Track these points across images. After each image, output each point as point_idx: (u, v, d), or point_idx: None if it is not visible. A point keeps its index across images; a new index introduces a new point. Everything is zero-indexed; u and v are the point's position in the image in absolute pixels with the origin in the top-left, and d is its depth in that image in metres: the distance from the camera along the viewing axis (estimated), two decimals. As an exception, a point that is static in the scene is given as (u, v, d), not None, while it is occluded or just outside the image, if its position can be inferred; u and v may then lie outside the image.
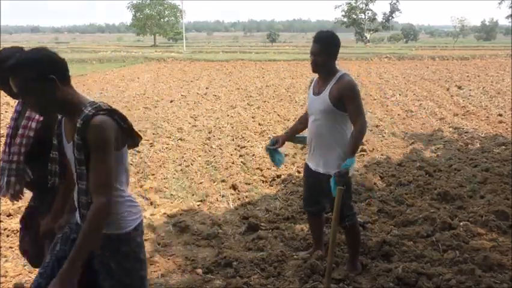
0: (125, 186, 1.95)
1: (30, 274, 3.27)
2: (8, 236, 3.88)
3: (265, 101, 11.83)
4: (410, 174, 5.56)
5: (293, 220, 4.26)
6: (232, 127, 8.65)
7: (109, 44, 67.36)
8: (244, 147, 7.08)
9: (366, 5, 66.49)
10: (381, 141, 7.57)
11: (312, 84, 3.08)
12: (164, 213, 4.44)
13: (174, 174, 5.82)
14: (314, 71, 2.98)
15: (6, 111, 10.07)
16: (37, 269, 3.29)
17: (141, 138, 2.05)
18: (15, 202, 4.58)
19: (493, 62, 26.91)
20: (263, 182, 5.51)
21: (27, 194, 2.61)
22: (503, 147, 6.93)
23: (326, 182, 2.89)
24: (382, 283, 2.98)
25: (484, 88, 14.03)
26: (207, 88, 14.77)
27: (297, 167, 5.97)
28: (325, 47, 2.87)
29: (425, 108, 10.65)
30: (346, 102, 2.85)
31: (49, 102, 1.78)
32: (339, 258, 3.39)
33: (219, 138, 7.72)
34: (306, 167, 3.22)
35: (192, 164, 6.20)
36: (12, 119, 2.54)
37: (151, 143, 7.30)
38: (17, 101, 2.56)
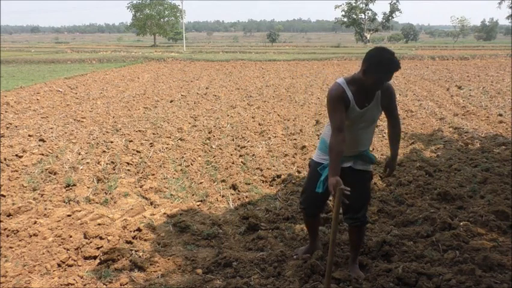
0: None
1: (30, 274, 3.27)
2: (8, 236, 3.87)
3: (265, 101, 11.83)
4: (410, 174, 5.56)
5: (293, 220, 4.26)
6: (232, 127, 8.64)
7: (109, 44, 67.43)
8: (244, 147, 7.08)
9: (366, 5, 66.55)
10: (381, 141, 7.57)
11: (352, 99, 2.80)
12: (164, 213, 4.44)
13: (174, 174, 5.82)
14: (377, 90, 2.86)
15: (6, 111, 10.08)
16: (35, 270, 3.30)
17: None
18: (14, 202, 4.59)
19: (493, 62, 26.94)
20: (263, 182, 5.51)
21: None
22: (503, 147, 6.92)
23: (359, 176, 3.00)
24: (382, 283, 2.98)
25: (484, 88, 14.03)
26: (207, 88, 14.77)
27: (297, 167, 5.97)
28: None
29: (425, 108, 10.65)
30: (392, 104, 2.96)
31: None
32: (339, 258, 3.39)
33: (219, 138, 7.72)
34: (318, 166, 3.08)
35: (192, 164, 6.20)
36: None
37: (151, 143, 7.29)
38: None
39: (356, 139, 2.91)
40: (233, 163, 6.18)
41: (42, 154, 6.57)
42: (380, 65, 2.64)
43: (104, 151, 6.75)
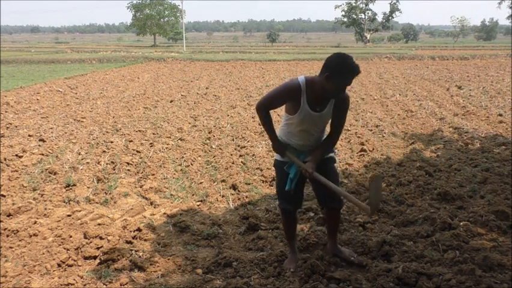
0: None
1: (30, 274, 3.27)
2: (8, 236, 3.88)
3: (265, 101, 11.80)
4: (410, 174, 5.56)
5: (293, 220, 4.25)
6: (232, 127, 8.64)
7: (109, 44, 67.45)
8: (244, 147, 7.08)
9: (366, 5, 66.56)
10: (381, 141, 7.57)
11: (303, 101, 2.95)
12: (164, 213, 4.44)
13: (174, 174, 5.82)
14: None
15: (6, 111, 10.08)
16: (35, 270, 3.30)
17: None
18: (14, 202, 4.59)
19: (493, 62, 26.94)
20: (263, 182, 5.51)
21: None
22: (503, 147, 6.92)
23: (324, 163, 3.14)
24: (382, 283, 2.98)
25: (484, 88, 14.02)
26: (207, 88, 14.77)
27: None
28: None
29: (425, 108, 10.65)
30: (342, 113, 3.03)
31: None
32: (337, 257, 3.39)
33: (219, 138, 7.72)
34: (282, 165, 3.19)
35: (192, 164, 6.20)
36: None
37: (151, 143, 7.29)
38: None
39: (310, 140, 3.11)
40: (233, 163, 6.18)
41: (42, 154, 6.58)
42: (343, 70, 2.76)
43: (104, 151, 6.75)
